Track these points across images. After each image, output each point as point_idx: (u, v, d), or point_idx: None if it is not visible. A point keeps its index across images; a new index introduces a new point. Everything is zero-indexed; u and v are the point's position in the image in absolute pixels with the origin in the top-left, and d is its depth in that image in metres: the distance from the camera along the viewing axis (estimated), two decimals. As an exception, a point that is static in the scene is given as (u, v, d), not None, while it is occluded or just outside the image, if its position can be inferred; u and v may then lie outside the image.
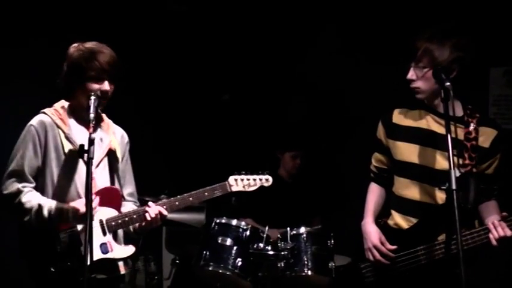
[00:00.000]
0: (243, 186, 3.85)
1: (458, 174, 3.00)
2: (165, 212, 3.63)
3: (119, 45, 3.70)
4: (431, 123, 3.51)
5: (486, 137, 3.45)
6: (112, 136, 3.73)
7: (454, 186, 2.98)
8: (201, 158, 6.54)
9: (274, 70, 6.47)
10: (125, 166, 3.81)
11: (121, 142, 3.78)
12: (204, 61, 6.57)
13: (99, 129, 3.65)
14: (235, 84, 6.58)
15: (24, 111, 3.72)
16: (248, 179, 3.87)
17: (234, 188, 3.82)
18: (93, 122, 3.27)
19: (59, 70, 3.59)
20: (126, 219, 3.61)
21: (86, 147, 3.20)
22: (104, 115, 3.76)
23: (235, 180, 3.84)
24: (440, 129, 3.45)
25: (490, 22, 5.35)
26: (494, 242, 3.30)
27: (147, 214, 3.60)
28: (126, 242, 3.75)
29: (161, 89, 6.42)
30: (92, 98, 3.40)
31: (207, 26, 6.55)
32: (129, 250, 3.64)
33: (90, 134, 3.22)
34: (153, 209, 3.61)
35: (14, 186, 3.47)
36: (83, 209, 3.40)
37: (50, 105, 3.65)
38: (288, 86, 6.44)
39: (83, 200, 3.44)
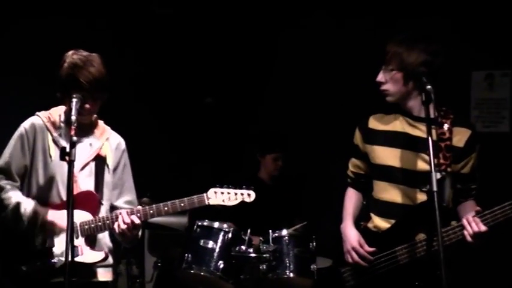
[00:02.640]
0: (222, 200, 3.76)
1: (439, 176, 3.03)
2: (137, 221, 3.58)
3: (102, 47, 3.70)
4: (405, 126, 3.54)
5: (460, 136, 3.48)
6: (105, 142, 3.72)
7: (435, 188, 3.00)
8: (184, 160, 6.53)
9: (256, 73, 6.49)
10: (123, 174, 3.80)
11: (116, 150, 3.77)
12: (188, 64, 6.57)
13: (91, 135, 3.68)
14: (218, 87, 6.57)
15: (18, 112, 3.77)
16: (229, 193, 3.79)
17: (212, 201, 3.73)
18: (75, 124, 3.28)
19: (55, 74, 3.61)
20: (99, 223, 3.60)
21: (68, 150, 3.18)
22: (101, 122, 3.78)
23: (215, 193, 3.75)
24: (415, 132, 3.50)
25: (472, 26, 5.40)
26: (469, 238, 3.32)
27: (118, 220, 3.58)
28: (115, 250, 3.81)
29: (144, 91, 6.40)
30: (74, 100, 3.41)
31: (192, 29, 6.55)
32: (98, 256, 3.62)
33: (71, 136, 3.21)
34: (125, 217, 3.57)
35: None
36: (58, 222, 3.49)
37: (48, 109, 3.70)
38: (268, 89, 6.46)
39: (59, 215, 3.50)
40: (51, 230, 3.52)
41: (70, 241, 3.07)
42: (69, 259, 3.05)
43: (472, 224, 3.31)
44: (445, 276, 2.92)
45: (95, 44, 3.71)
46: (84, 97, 3.46)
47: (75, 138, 3.20)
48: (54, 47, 3.69)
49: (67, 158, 3.19)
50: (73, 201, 3.12)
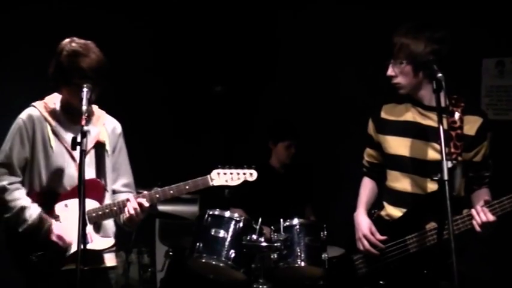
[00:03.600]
0: (226, 181, 3.77)
1: (450, 165, 3.02)
2: (146, 204, 3.61)
3: (110, 36, 3.69)
4: (416, 116, 3.56)
5: (471, 125, 3.48)
6: (102, 128, 3.72)
7: (446, 177, 3.00)
8: (195, 149, 6.54)
9: (264, 61, 6.48)
10: (119, 157, 3.81)
11: (112, 134, 3.77)
12: (197, 52, 6.56)
13: (88, 123, 3.62)
14: (228, 76, 6.56)
15: (17, 104, 3.73)
16: (231, 173, 3.79)
17: (216, 182, 3.75)
18: (86, 114, 3.27)
19: (51, 60, 3.59)
20: (107, 211, 3.62)
21: (79, 140, 3.18)
22: (95, 106, 3.76)
23: (218, 174, 3.76)
24: (426, 121, 3.52)
25: (482, 13, 5.36)
26: (477, 228, 3.35)
27: (126, 207, 3.61)
28: (118, 234, 3.79)
29: (154, 80, 6.40)
30: (84, 89, 3.38)
31: (200, 16, 6.54)
32: (109, 242, 3.66)
33: (82, 126, 3.21)
34: (133, 202, 3.61)
35: (1, 181, 3.52)
36: (54, 237, 3.49)
37: (42, 98, 3.67)
38: (276, 78, 6.45)
39: (63, 225, 3.51)
40: (48, 238, 3.51)
41: (82, 229, 3.08)
42: (81, 247, 3.06)
43: (481, 214, 3.33)
44: (456, 265, 2.92)
45: (104, 34, 3.69)
46: (92, 86, 3.44)
47: (85, 127, 3.21)
48: (65, 32, 3.66)
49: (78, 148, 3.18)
50: (84, 190, 3.12)
